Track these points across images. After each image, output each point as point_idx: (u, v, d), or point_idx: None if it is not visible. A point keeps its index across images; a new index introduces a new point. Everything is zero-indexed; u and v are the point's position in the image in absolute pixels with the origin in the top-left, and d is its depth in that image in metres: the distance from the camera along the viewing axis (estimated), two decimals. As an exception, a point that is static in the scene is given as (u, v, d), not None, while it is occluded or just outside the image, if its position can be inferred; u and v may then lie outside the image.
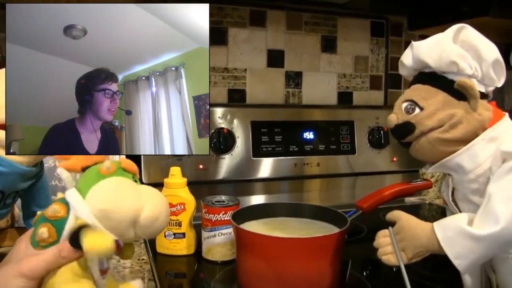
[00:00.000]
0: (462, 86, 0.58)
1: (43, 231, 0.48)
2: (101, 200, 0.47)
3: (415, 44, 0.63)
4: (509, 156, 0.55)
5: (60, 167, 0.52)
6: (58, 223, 0.48)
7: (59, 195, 0.53)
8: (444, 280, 0.77)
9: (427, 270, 0.81)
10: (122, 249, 0.55)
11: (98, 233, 0.47)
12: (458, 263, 0.54)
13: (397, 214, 0.63)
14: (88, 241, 0.46)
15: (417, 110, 0.61)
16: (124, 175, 0.51)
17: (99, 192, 0.48)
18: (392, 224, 0.63)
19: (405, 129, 0.62)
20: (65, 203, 0.49)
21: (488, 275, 0.64)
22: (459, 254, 0.54)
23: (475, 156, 0.59)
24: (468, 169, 0.59)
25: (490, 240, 0.52)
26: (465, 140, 0.59)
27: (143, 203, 0.49)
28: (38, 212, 0.52)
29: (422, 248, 0.59)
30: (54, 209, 0.48)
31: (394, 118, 0.63)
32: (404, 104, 0.63)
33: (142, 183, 0.55)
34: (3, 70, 0.59)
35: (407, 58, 0.65)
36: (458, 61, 0.58)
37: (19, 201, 0.73)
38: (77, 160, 0.52)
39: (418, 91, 0.62)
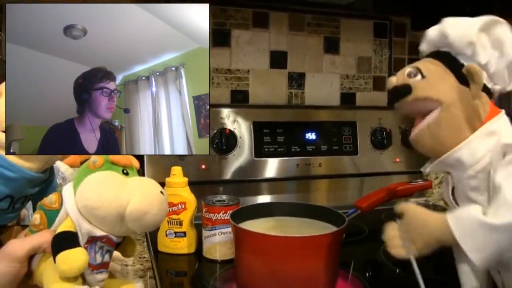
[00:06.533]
0: (469, 71, 0.59)
1: (36, 217, 0.50)
2: (85, 197, 0.48)
3: (446, 19, 0.63)
4: (511, 149, 0.55)
5: (58, 161, 0.52)
6: (50, 213, 0.50)
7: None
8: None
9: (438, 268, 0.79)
10: (122, 246, 0.56)
11: (71, 251, 0.46)
12: (473, 256, 0.53)
13: (404, 206, 0.62)
14: (60, 258, 0.46)
15: (419, 76, 0.61)
16: (112, 169, 0.50)
17: (84, 188, 0.48)
18: (399, 216, 0.62)
19: (402, 91, 0.62)
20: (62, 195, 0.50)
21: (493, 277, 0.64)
22: (475, 246, 0.53)
23: (474, 151, 0.58)
24: (468, 164, 0.59)
25: (508, 230, 0.51)
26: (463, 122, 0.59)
27: (128, 197, 0.48)
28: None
29: (432, 239, 0.57)
30: (51, 200, 0.50)
31: (394, 79, 0.64)
32: (408, 69, 0.63)
33: None
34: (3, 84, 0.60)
35: (433, 30, 0.64)
36: (476, 44, 0.58)
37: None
38: (78, 157, 0.52)
39: (427, 63, 0.63)
